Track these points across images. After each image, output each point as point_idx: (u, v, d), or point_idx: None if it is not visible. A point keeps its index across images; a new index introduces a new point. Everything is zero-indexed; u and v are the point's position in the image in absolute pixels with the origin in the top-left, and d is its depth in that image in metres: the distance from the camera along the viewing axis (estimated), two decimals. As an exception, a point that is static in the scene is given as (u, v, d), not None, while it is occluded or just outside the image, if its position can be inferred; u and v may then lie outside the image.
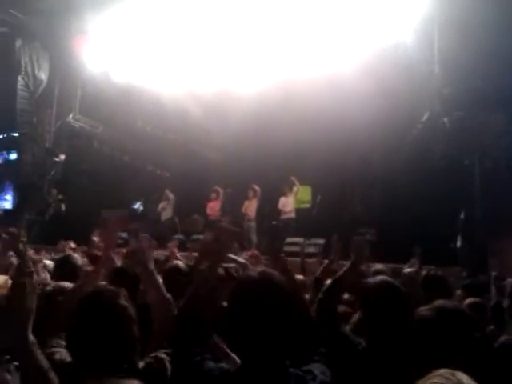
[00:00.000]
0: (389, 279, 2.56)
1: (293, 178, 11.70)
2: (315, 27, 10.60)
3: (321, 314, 2.72)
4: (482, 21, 8.30)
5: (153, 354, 2.08)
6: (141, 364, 1.98)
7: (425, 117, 10.40)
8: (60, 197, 13.65)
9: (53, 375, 1.71)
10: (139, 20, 11.92)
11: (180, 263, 4.12)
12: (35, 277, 3.99)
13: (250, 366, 1.61)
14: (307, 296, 4.17)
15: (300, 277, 5.26)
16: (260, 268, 1.80)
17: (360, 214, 11.42)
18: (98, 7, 11.39)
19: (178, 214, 13.13)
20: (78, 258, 4.06)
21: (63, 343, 2.14)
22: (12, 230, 3.91)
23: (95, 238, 8.03)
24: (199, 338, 1.87)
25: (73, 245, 8.33)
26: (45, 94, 14.52)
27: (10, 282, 3.48)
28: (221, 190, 12.33)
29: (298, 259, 8.11)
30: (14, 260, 4.44)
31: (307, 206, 12.61)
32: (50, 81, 14.52)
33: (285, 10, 10.62)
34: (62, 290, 3.01)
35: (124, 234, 11.79)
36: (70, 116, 14.77)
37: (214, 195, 12.40)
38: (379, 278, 2.61)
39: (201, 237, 9.74)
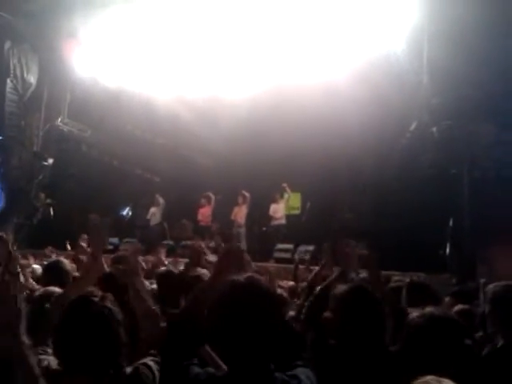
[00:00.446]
0: (360, 284, 2.56)
1: (284, 185, 11.74)
2: (307, 35, 10.65)
3: (308, 319, 2.74)
4: (471, 31, 8.40)
5: (141, 361, 2.07)
6: (128, 370, 1.96)
7: (413, 126, 10.48)
8: (48, 201, 13.52)
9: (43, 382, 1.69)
10: (130, 24, 11.88)
11: (172, 269, 4.11)
12: (23, 281, 3.95)
13: (236, 370, 1.63)
14: (297, 301, 4.19)
15: (290, 283, 5.28)
16: (246, 274, 1.80)
17: (349, 221, 11.46)
18: (88, 10, 11.35)
19: (167, 219, 13.08)
20: (67, 263, 4.02)
21: (50, 350, 2.13)
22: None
23: (83, 243, 7.99)
24: (191, 344, 1.87)
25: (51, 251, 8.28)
26: (33, 97, 14.40)
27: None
28: (212, 196, 12.30)
29: (288, 265, 8.12)
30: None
31: (297, 212, 12.64)
32: (38, 84, 14.41)
33: (278, 17, 10.66)
34: (50, 295, 2.97)
35: (114, 240, 11.76)
36: (59, 120, 14.65)
37: (204, 201, 12.37)
38: (351, 284, 2.61)
39: (189, 243, 9.69)
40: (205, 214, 12.31)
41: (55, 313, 2.15)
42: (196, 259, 4.50)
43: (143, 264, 5.33)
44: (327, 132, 11.18)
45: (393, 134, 11.05)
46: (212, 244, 10.11)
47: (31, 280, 4.94)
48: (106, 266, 4.96)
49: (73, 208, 13.39)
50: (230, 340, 1.63)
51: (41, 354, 2.26)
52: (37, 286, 4.37)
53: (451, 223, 8.80)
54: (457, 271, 7.93)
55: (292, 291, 4.79)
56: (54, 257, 6.40)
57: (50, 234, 11.29)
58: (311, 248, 9.95)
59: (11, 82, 13.85)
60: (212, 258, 4.46)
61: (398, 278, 4.72)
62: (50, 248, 8.78)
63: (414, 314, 2.17)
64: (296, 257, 6.92)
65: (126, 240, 11.46)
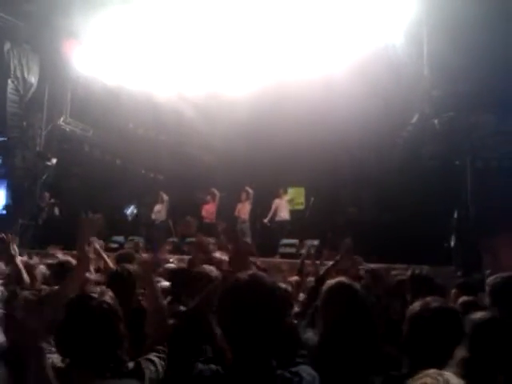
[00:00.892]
0: (345, 280, 2.56)
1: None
2: (306, 30, 10.63)
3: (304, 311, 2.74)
4: (470, 23, 8.38)
5: (144, 356, 2.10)
6: (130, 364, 2.00)
7: (414, 118, 10.47)
8: (53, 201, 13.55)
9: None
10: (130, 22, 11.88)
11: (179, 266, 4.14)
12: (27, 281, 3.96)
13: (239, 367, 1.65)
14: (302, 295, 4.22)
15: (295, 277, 5.29)
16: (250, 271, 1.82)
17: (353, 215, 11.47)
18: (88, 10, 11.33)
19: (171, 216, 13.10)
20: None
21: (54, 349, 2.17)
22: (2, 235, 3.89)
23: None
24: (197, 341, 1.90)
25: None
26: (35, 97, 14.41)
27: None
28: (217, 193, 12.31)
29: (293, 260, 8.13)
30: (3, 265, 4.42)
31: (301, 207, 12.65)
32: (39, 84, 14.41)
33: (276, 13, 10.64)
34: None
35: (119, 238, 11.79)
36: (61, 119, 14.68)
37: (209, 198, 12.38)
38: (336, 279, 2.59)
39: (194, 239, 9.72)
40: (209, 210, 12.33)
41: (51, 310, 2.20)
42: (202, 255, 4.51)
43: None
44: (329, 126, 11.18)
45: (394, 126, 11.05)
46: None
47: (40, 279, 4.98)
48: (111, 263, 5.01)
49: (77, 207, 13.42)
50: (233, 337, 1.66)
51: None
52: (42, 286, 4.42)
53: (455, 215, 8.80)
54: (462, 263, 7.93)
55: (298, 286, 4.80)
56: (59, 256, 6.41)
57: (55, 234, 11.32)
58: (316, 243, 9.97)
59: (12, 82, 13.87)
60: (218, 254, 4.46)
61: (396, 272, 4.72)
62: (52, 246, 8.79)
63: (415, 304, 2.18)
64: (304, 251, 6.90)
65: (131, 238, 11.50)
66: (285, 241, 10.80)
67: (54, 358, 2.10)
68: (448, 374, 1.36)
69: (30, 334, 1.72)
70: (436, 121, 9.74)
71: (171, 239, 11.84)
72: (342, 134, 11.22)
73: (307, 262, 5.11)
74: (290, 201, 12.11)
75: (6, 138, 14.17)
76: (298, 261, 5.79)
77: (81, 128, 14.94)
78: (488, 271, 4.67)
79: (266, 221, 11.89)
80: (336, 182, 12.21)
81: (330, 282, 2.52)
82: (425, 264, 6.54)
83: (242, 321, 1.63)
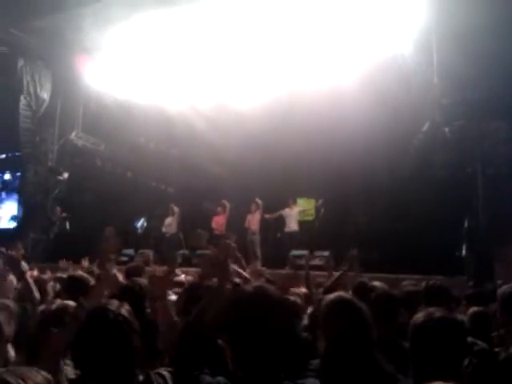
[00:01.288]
0: (344, 294, 2.53)
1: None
2: (316, 41, 10.69)
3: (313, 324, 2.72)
4: (480, 30, 8.36)
5: (155, 371, 2.10)
6: (141, 377, 2.00)
7: (425, 127, 10.43)
8: (64, 215, 13.66)
9: None
10: (141, 37, 12.02)
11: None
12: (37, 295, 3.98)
13: (246, 379, 1.63)
14: (310, 309, 4.19)
15: (303, 290, 5.25)
16: (256, 283, 1.81)
17: (363, 225, 11.41)
18: (100, 25, 11.49)
19: (181, 229, 13.13)
20: (88, 276, 4.05)
21: (67, 361, 2.18)
22: (11, 252, 3.93)
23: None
24: (202, 351, 1.90)
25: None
26: (47, 112, 14.61)
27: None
28: (227, 204, 12.31)
29: (303, 272, 8.07)
30: (15, 280, 4.45)
31: (310, 218, 12.61)
32: (52, 99, 14.62)
33: (286, 24, 10.71)
34: (66, 308, 3.02)
35: (130, 251, 11.84)
36: (73, 134, 14.86)
37: (219, 209, 12.38)
38: (335, 294, 2.56)
39: (205, 252, 9.72)
40: (219, 222, 12.33)
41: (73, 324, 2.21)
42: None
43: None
44: (339, 136, 11.17)
45: (404, 135, 11.01)
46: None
47: (52, 295, 5.01)
48: (120, 277, 5.03)
49: (88, 221, 13.53)
50: (239, 349, 1.65)
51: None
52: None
53: (466, 224, 8.71)
54: (474, 273, 7.84)
55: (306, 298, 4.76)
56: (70, 270, 6.44)
57: (67, 248, 11.39)
58: (326, 253, 9.93)
59: (25, 98, 14.08)
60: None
61: (407, 283, 4.67)
62: (63, 261, 8.84)
63: (418, 315, 2.15)
64: (305, 263, 6.86)
65: (141, 251, 11.54)
66: (294, 252, 10.77)
67: (68, 370, 2.12)
68: None
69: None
70: (447, 129, 9.70)
71: (181, 252, 11.86)
72: (352, 143, 11.20)
73: (316, 273, 5.09)
74: (301, 212, 12.08)
75: (19, 153, 14.39)
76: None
77: (92, 142, 15.10)
78: (500, 281, 4.61)
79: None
80: (346, 192, 12.17)
81: (330, 297, 2.50)
82: (436, 274, 6.49)
83: (247, 333, 1.63)
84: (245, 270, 4.79)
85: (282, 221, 11.92)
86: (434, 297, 3.37)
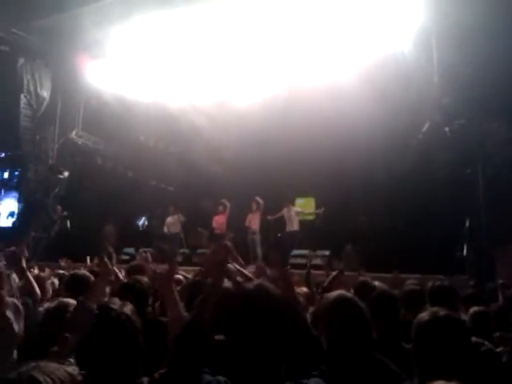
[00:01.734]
0: (345, 293, 2.52)
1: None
2: (315, 38, 10.69)
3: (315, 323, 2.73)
4: (480, 29, 8.35)
5: (161, 371, 2.10)
6: (145, 379, 1.99)
7: (425, 126, 10.42)
8: (65, 213, 13.67)
9: None
10: (141, 35, 12.03)
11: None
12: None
13: (247, 377, 1.62)
14: (312, 308, 4.19)
15: (304, 289, 5.25)
16: (257, 281, 1.81)
17: (364, 224, 11.41)
18: (100, 24, 11.50)
19: (182, 227, 13.13)
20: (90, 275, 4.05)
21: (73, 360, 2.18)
22: (13, 248, 3.94)
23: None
24: (202, 350, 1.89)
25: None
26: (47, 111, 14.61)
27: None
28: (228, 203, 12.30)
29: (304, 271, 8.06)
30: (16, 277, 4.46)
31: (311, 217, 12.62)
32: (52, 98, 14.63)
33: (286, 22, 10.71)
34: (66, 306, 3.03)
35: (130, 250, 11.85)
36: (73, 133, 14.86)
37: (220, 208, 12.37)
38: (336, 292, 2.55)
39: (206, 251, 9.74)
40: (219, 221, 12.32)
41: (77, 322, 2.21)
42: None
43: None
44: (338, 136, 11.17)
45: (404, 134, 11.00)
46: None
47: (50, 292, 5.02)
48: (121, 275, 5.04)
49: (89, 219, 13.54)
50: (239, 348, 1.64)
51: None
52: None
53: (467, 224, 8.71)
54: (475, 272, 7.84)
55: (309, 298, 4.76)
56: (71, 270, 6.46)
57: (67, 246, 11.40)
58: (327, 253, 9.93)
59: (25, 97, 14.09)
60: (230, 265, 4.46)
61: (411, 282, 4.68)
62: (64, 259, 8.86)
63: (422, 314, 2.15)
64: (307, 262, 6.84)
65: (142, 250, 11.54)
66: (295, 251, 10.77)
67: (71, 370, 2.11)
68: None
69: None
70: (447, 128, 9.69)
71: (182, 250, 11.87)
72: (351, 142, 11.20)
73: (317, 272, 5.09)
74: (300, 213, 12.09)
75: (19, 152, 14.40)
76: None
77: (93, 141, 15.11)
78: (501, 281, 4.60)
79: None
80: (346, 191, 12.16)
81: (330, 295, 2.49)
82: (437, 273, 6.49)
83: (247, 331, 1.62)
84: (244, 269, 4.80)
85: (282, 221, 11.92)
86: (439, 297, 3.34)
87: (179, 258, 11.29)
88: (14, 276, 4.52)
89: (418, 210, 9.83)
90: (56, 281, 5.82)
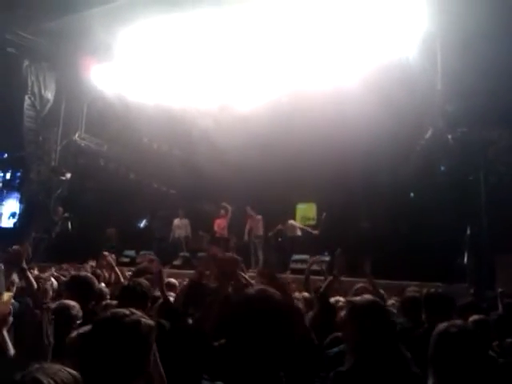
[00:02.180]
0: (373, 298, 2.56)
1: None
2: (320, 44, 10.70)
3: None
4: (484, 37, 8.36)
5: None
6: None
7: (428, 133, 10.42)
8: (66, 215, 13.68)
9: None
10: (145, 39, 12.07)
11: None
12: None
13: (246, 382, 1.62)
14: (311, 313, 4.19)
15: (306, 294, 5.25)
16: (258, 286, 1.81)
17: (365, 230, 11.39)
18: (104, 27, 11.54)
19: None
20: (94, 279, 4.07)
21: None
22: (15, 247, 3.92)
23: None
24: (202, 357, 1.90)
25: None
26: (51, 113, 14.65)
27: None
28: (229, 207, 12.31)
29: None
30: (16, 278, 4.46)
31: (312, 223, 12.61)
32: (56, 100, 14.67)
33: (290, 26, 10.73)
34: (66, 308, 3.04)
35: (131, 252, 11.86)
36: (76, 135, 14.90)
37: (222, 212, 12.38)
38: (365, 296, 2.59)
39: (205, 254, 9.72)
40: (221, 225, 12.34)
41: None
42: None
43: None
44: (341, 141, 11.17)
45: (407, 141, 11.00)
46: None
47: (51, 293, 5.02)
48: (122, 277, 5.04)
49: (90, 221, 13.55)
50: (240, 352, 1.64)
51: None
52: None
53: (468, 231, 8.70)
54: (475, 280, 7.82)
55: (308, 303, 4.76)
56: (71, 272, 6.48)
57: (68, 248, 11.42)
58: (327, 258, 9.90)
59: (29, 98, 14.12)
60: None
61: (412, 289, 4.67)
62: (66, 265, 8.90)
63: (441, 325, 2.17)
64: (307, 267, 6.81)
65: (143, 252, 11.55)
66: (296, 256, 10.77)
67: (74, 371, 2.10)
68: None
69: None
70: (450, 136, 9.69)
71: (182, 254, 11.87)
72: (354, 147, 11.20)
73: (316, 278, 5.09)
74: (302, 218, 12.10)
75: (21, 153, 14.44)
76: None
77: (96, 143, 15.14)
78: (500, 289, 4.60)
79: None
80: (348, 197, 12.16)
81: (357, 300, 2.53)
82: (438, 281, 6.49)
83: (248, 336, 1.62)
84: (245, 273, 4.80)
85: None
86: (434, 305, 3.37)
87: (179, 261, 11.30)
88: (15, 276, 4.53)
89: (420, 216, 9.83)
90: (55, 282, 5.82)
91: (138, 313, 1.88)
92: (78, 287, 3.73)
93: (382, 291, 4.22)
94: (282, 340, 1.64)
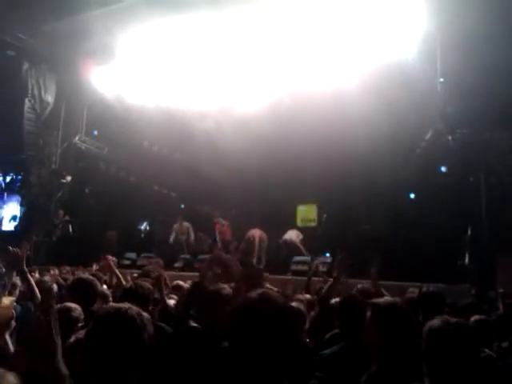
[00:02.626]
0: (397, 301, 2.59)
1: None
2: (319, 45, 10.71)
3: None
4: (484, 39, 8.36)
5: None
6: None
7: (428, 135, 10.43)
8: (67, 218, 13.68)
9: None
10: (145, 41, 12.09)
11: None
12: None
13: None
14: (312, 313, 4.19)
15: (307, 296, 5.26)
16: (260, 290, 1.81)
17: (366, 232, 11.39)
18: (104, 30, 11.56)
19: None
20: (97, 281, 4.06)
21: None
22: (15, 250, 3.92)
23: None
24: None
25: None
26: (51, 116, 14.66)
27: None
28: (224, 222, 12.36)
29: (305, 278, 8.08)
30: (19, 281, 4.46)
31: (313, 224, 12.61)
32: (56, 103, 14.68)
33: (289, 27, 10.74)
34: (68, 310, 3.04)
35: (132, 255, 11.86)
36: (77, 137, 14.91)
37: (221, 227, 12.40)
38: (389, 299, 2.62)
39: (207, 256, 9.72)
40: (224, 238, 12.36)
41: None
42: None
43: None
44: (341, 142, 11.18)
45: (408, 143, 11.01)
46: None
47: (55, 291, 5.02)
48: (123, 280, 5.04)
49: (91, 224, 13.55)
50: (243, 356, 1.64)
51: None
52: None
53: (469, 232, 8.70)
54: (476, 281, 7.82)
55: (310, 304, 4.76)
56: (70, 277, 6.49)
57: (69, 251, 11.42)
58: (329, 260, 9.92)
59: (29, 101, 14.13)
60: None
61: (412, 290, 4.68)
62: (67, 268, 8.92)
63: (434, 321, 2.17)
64: (309, 269, 6.82)
65: (144, 255, 11.54)
66: (297, 258, 10.76)
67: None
68: None
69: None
70: (450, 137, 9.70)
71: (183, 256, 11.87)
72: (354, 149, 11.21)
73: (317, 279, 5.09)
74: (303, 220, 12.09)
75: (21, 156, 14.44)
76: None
77: (96, 146, 15.16)
78: (501, 290, 4.60)
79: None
80: (349, 199, 12.17)
81: (381, 301, 2.54)
82: (439, 282, 6.48)
83: (251, 340, 1.62)
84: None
85: (283, 231, 11.92)
86: (426, 303, 3.46)
87: (180, 264, 11.30)
88: (17, 279, 4.52)
89: (420, 218, 9.82)
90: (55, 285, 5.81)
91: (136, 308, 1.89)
92: (81, 290, 3.73)
93: (385, 292, 4.22)
94: (285, 344, 1.64)
